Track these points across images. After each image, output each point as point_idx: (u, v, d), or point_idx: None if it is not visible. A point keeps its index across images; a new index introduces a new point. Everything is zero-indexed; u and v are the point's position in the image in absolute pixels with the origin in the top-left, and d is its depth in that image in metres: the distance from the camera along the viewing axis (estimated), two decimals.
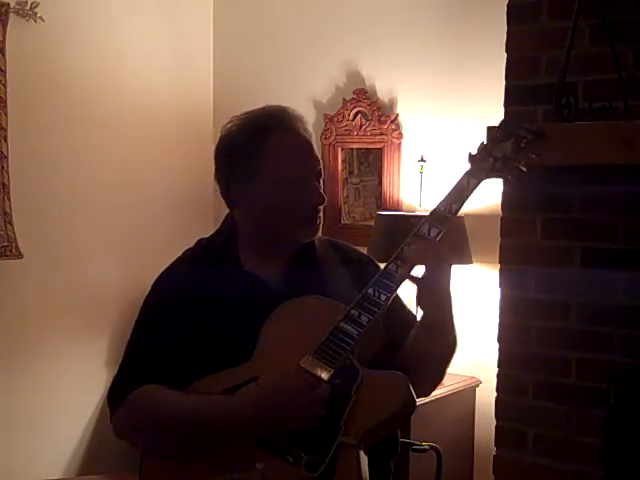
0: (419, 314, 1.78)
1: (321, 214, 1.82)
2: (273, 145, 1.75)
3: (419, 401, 1.67)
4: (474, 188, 1.69)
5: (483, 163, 1.70)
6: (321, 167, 1.82)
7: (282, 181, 1.74)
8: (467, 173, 1.70)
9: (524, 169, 1.72)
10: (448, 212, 1.68)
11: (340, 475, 1.55)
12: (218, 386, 1.67)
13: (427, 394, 1.87)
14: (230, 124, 1.82)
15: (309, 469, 1.56)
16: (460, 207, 1.69)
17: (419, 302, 1.70)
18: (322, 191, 1.80)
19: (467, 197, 1.69)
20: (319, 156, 1.82)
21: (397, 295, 1.75)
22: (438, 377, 1.84)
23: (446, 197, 1.70)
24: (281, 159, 1.75)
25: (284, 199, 1.75)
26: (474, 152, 1.73)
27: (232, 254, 1.81)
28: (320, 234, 1.87)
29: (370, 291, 1.65)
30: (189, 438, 1.66)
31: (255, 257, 1.81)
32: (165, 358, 1.72)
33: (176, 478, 1.66)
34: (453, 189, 1.70)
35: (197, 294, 1.74)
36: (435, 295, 1.69)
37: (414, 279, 1.68)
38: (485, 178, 1.70)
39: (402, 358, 1.74)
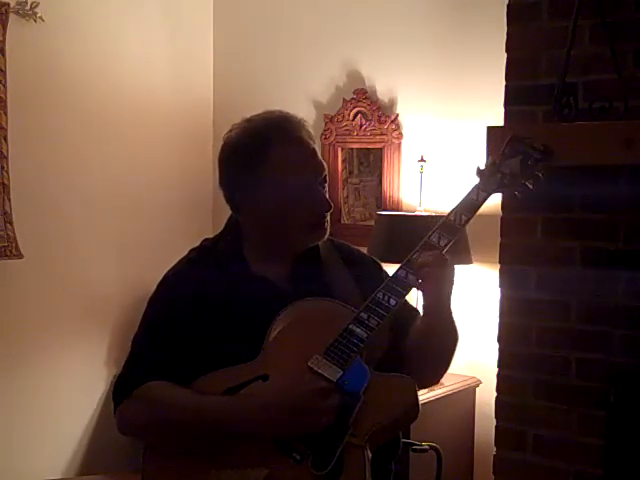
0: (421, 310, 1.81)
1: (329, 218, 1.82)
2: (275, 155, 1.75)
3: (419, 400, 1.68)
4: (483, 201, 1.75)
5: (491, 178, 1.76)
6: (326, 172, 1.81)
7: (286, 191, 1.75)
8: (476, 187, 1.76)
9: (531, 186, 1.76)
10: (458, 223, 1.72)
11: (347, 474, 1.56)
12: (224, 383, 1.67)
13: (426, 387, 1.95)
14: (232, 132, 1.82)
15: (316, 467, 1.57)
16: (469, 219, 1.73)
17: (423, 305, 1.75)
18: (328, 197, 1.80)
19: (476, 210, 1.74)
20: (323, 161, 1.82)
21: None
22: (437, 374, 1.86)
23: (456, 208, 1.74)
24: (284, 170, 1.75)
25: (289, 208, 1.76)
26: (482, 167, 1.78)
27: (238, 254, 1.82)
28: None
29: (380, 295, 1.68)
30: (195, 436, 1.66)
31: (260, 258, 1.82)
32: (171, 355, 1.72)
33: (178, 475, 1.66)
34: (463, 201, 1.75)
35: (204, 293, 1.75)
36: (437, 302, 1.72)
37: (419, 285, 1.71)
38: (494, 192, 1.76)
39: (405, 353, 1.77)
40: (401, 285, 1.69)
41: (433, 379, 1.87)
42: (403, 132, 3.50)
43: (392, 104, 3.54)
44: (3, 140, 3.16)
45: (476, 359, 3.23)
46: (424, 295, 1.72)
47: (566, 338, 2.61)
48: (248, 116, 1.84)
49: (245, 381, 1.66)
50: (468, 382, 3.25)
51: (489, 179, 1.75)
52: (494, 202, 2.77)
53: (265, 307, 1.73)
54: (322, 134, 3.66)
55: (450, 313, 1.76)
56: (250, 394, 1.64)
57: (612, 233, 2.52)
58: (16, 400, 3.35)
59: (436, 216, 3.04)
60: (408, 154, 3.49)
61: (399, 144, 3.51)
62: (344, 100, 3.63)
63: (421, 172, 3.32)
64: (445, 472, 2.22)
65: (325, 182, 1.81)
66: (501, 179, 1.75)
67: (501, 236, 2.72)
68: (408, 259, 1.70)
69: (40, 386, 3.43)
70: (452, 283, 1.72)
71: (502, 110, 2.69)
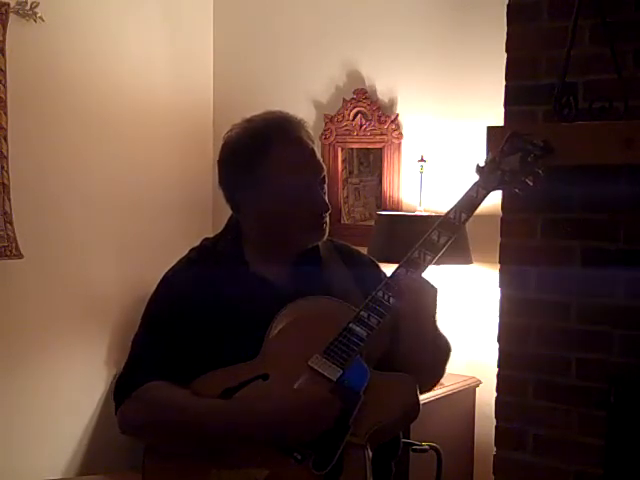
0: None
1: (327, 219, 1.82)
2: (275, 156, 1.76)
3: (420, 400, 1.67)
4: (483, 199, 1.74)
5: (491, 175, 1.75)
6: (325, 173, 1.82)
7: (286, 191, 1.75)
8: (476, 184, 1.75)
9: (531, 183, 1.75)
10: (457, 221, 1.72)
11: (347, 474, 1.56)
12: (224, 382, 1.67)
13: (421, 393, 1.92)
14: (232, 132, 1.82)
15: (317, 467, 1.56)
16: (469, 217, 1.73)
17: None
18: (326, 198, 1.80)
19: (476, 207, 1.73)
20: (322, 162, 1.82)
21: None
22: (430, 383, 1.86)
23: (455, 206, 1.74)
24: (284, 170, 1.76)
25: (288, 208, 1.76)
26: (481, 164, 1.78)
27: (238, 255, 1.82)
28: None
29: (380, 294, 1.68)
30: (195, 438, 1.65)
31: (261, 258, 1.82)
32: (171, 355, 1.72)
33: (179, 475, 1.66)
34: (462, 198, 1.75)
35: (204, 293, 1.75)
36: (420, 326, 1.71)
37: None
38: (493, 190, 1.75)
39: (398, 359, 1.76)
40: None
41: (427, 388, 1.86)
42: (403, 132, 3.50)
43: (392, 104, 3.54)
44: (3, 140, 3.16)
45: (476, 359, 3.23)
46: (407, 320, 1.70)
47: (566, 338, 2.61)
48: (248, 116, 1.84)
49: (245, 380, 1.65)
50: (468, 382, 3.25)
51: (489, 176, 1.75)
52: (494, 202, 2.77)
53: (265, 307, 1.73)
54: (322, 134, 3.66)
55: (436, 329, 1.76)
56: (250, 399, 1.63)
57: (612, 233, 2.52)
58: (16, 400, 3.35)
59: (436, 216, 3.03)
60: (408, 154, 3.49)
61: (399, 144, 3.51)
62: (344, 100, 3.63)
63: (421, 172, 3.32)
64: (445, 472, 2.22)
65: (324, 183, 1.81)
66: (501, 176, 1.75)
67: (501, 236, 2.72)
68: (407, 257, 1.70)
69: (40, 386, 3.43)
70: (435, 305, 1.72)
71: (502, 110, 2.69)
